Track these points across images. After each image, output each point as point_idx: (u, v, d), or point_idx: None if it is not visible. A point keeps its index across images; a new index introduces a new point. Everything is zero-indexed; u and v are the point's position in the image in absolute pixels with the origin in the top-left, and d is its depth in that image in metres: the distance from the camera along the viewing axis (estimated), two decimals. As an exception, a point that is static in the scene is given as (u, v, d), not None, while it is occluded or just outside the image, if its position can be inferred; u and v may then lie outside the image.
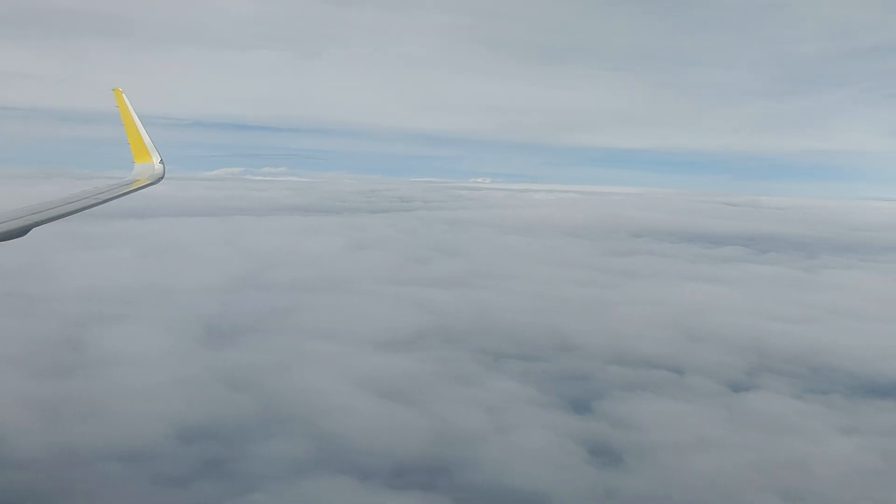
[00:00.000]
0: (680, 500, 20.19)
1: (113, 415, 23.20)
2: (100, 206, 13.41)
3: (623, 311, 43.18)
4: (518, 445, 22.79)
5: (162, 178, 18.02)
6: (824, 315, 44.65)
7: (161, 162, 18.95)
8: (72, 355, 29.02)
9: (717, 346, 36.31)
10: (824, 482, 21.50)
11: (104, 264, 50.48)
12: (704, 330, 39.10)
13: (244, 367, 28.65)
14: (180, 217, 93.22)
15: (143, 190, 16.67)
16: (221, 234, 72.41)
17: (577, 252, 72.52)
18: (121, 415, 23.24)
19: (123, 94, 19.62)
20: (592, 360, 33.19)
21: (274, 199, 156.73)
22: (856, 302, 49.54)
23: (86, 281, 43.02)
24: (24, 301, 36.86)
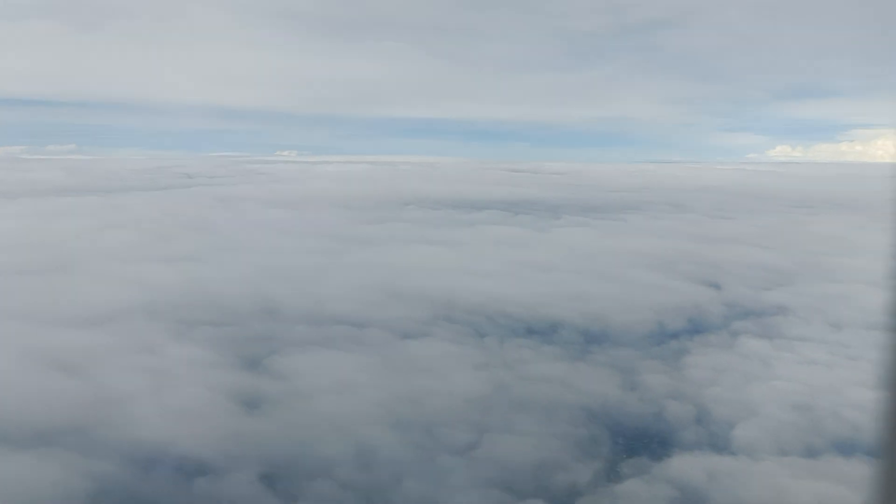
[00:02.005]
0: (296, 437, 23.23)
1: None
2: None
3: (339, 275, 46.35)
4: (169, 404, 25.01)
5: None
6: (521, 269, 50.03)
7: None
8: None
9: (410, 302, 40.12)
10: (431, 411, 25.41)
11: None
12: (406, 288, 42.86)
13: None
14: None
15: None
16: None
17: (330, 222, 75.34)
18: None
19: None
20: (285, 322, 35.99)
21: (41, 180, 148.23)
22: (556, 256, 55.66)
23: None
24: None
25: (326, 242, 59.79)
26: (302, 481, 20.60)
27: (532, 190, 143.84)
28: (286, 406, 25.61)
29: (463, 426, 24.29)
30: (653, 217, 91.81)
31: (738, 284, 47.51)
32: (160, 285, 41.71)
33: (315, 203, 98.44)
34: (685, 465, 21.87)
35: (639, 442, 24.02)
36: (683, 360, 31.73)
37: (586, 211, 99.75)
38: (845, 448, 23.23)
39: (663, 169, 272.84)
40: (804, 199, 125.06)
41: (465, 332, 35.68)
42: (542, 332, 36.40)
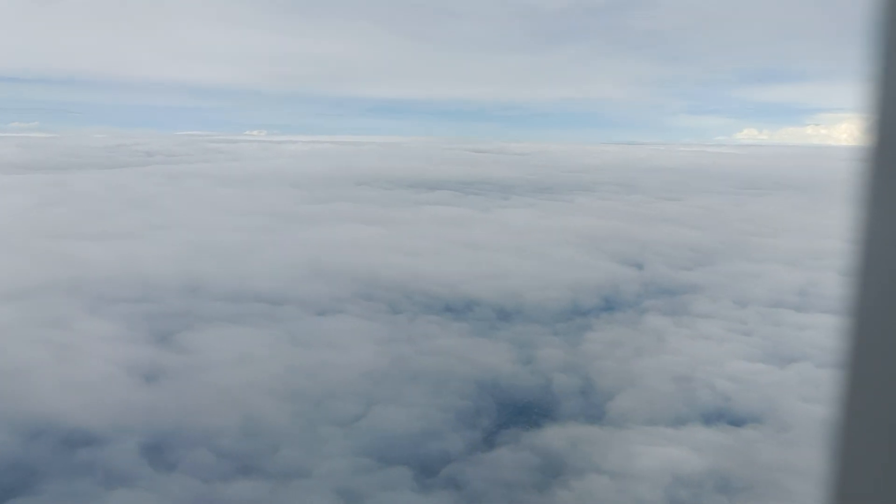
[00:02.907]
0: (186, 408, 23.99)
1: None
2: None
3: (268, 253, 46.96)
4: (66, 376, 25.62)
5: None
6: (452, 248, 50.95)
7: None
8: None
9: (333, 279, 40.87)
10: (324, 384, 26.29)
11: None
12: (332, 266, 43.56)
13: None
14: None
15: None
16: None
17: (276, 201, 75.64)
18: None
19: None
20: (204, 299, 36.61)
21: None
22: (490, 236, 56.67)
23: None
24: None
25: (266, 221, 60.24)
26: (182, 450, 21.37)
27: (490, 170, 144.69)
28: (184, 379, 26.35)
29: (352, 398, 25.19)
30: (600, 198, 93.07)
31: (660, 264, 48.83)
32: (86, 262, 42.08)
33: (266, 182, 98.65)
34: (554, 435, 22.97)
35: (519, 413, 25.09)
36: (584, 335, 32.87)
37: (538, 192, 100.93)
38: (710, 418, 24.49)
39: (627, 150, 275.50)
40: (755, 181, 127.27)
41: (380, 308, 36.57)
42: (456, 309, 37.35)
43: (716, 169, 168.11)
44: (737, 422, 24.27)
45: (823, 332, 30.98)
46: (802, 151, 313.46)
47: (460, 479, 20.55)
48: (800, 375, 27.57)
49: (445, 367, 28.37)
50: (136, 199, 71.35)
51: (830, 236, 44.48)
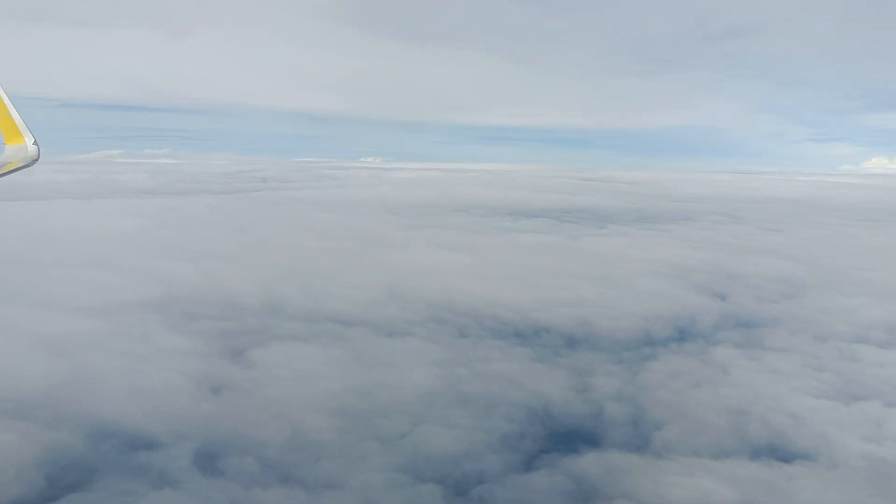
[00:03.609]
0: (242, 420, 25.31)
1: None
2: None
3: (352, 276, 48.47)
4: (137, 385, 27.47)
5: (37, 160, 16.88)
6: (533, 275, 51.20)
7: (35, 143, 17.67)
8: None
9: (409, 303, 41.94)
10: (376, 402, 27.14)
11: None
12: (410, 290, 44.69)
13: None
14: (2, 202, 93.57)
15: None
16: (21, 216, 74.19)
17: (371, 226, 77.79)
18: None
19: None
20: (281, 318, 38.27)
21: (124, 181, 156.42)
22: (575, 264, 56.56)
23: None
24: None
25: (356, 245, 62.17)
26: (231, 458, 22.58)
27: (593, 199, 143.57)
28: (245, 392, 27.77)
29: (400, 417, 25.89)
30: (700, 228, 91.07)
31: (746, 296, 47.62)
32: (179, 281, 44.68)
33: (366, 207, 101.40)
34: (592, 461, 22.96)
35: (563, 439, 25.14)
36: (646, 365, 32.51)
37: (637, 221, 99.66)
38: (758, 452, 23.87)
39: (742, 179, 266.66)
40: (874, 212, 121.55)
41: (448, 332, 37.23)
42: (525, 335, 37.63)
43: (834, 199, 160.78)
44: (786, 458, 23.58)
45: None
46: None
47: (489, 499, 20.88)
48: (865, 414, 26.52)
49: (498, 390, 28.72)
50: (238, 223, 74.90)
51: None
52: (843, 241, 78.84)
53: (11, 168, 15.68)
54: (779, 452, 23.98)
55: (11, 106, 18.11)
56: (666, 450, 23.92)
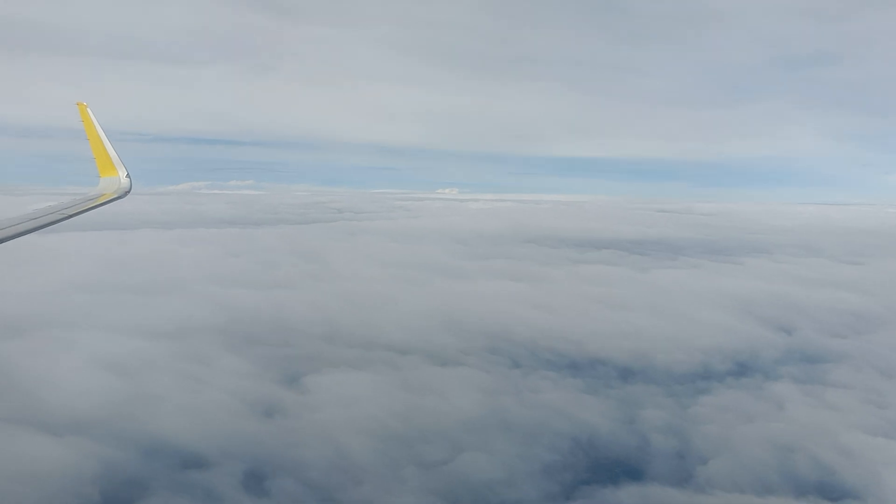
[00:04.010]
0: (290, 442, 26.02)
1: None
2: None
3: (411, 306, 49.14)
4: (192, 405, 28.53)
5: (129, 192, 17.41)
6: (593, 307, 50.93)
7: (128, 176, 18.29)
8: None
9: (465, 333, 42.27)
10: (420, 428, 27.49)
11: None
12: (468, 320, 45.05)
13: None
14: (93, 231, 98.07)
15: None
16: (106, 245, 77.68)
17: (437, 257, 78.47)
18: None
19: (88, 109, 18.93)
20: (338, 345, 39.09)
21: (205, 212, 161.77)
22: (639, 297, 55.96)
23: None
24: None
25: (419, 275, 62.83)
26: (276, 479, 23.26)
27: (667, 230, 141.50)
28: (296, 416, 28.51)
29: (443, 444, 26.19)
30: (775, 260, 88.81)
31: (813, 330, 46.34)
32: (243, 307, 46.14)
33: (435, 238, 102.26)
34: (631, 494, 22.79)
35: (605, 470, 25.00)
36: (699, 399, 32.02)
37: (710, 253, 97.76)
38: (804, 489, 23.27)
39: (826, 211, 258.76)
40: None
41: (501, 362, 37.39)
42: (579, 366, 37.49)
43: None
44: (833, 496, 22.95)
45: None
46: None
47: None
48: (923, 453, 25.55)
49: (544, 420, 28.74)
50: (307, 253, 76.60)
51: None
52: (925, 276, 75.78)
53: (106, 199, 16.36)
54: (826, 491, 23.35)
55: (107, 141, 18.97)
56: (708, 484, 23.56)
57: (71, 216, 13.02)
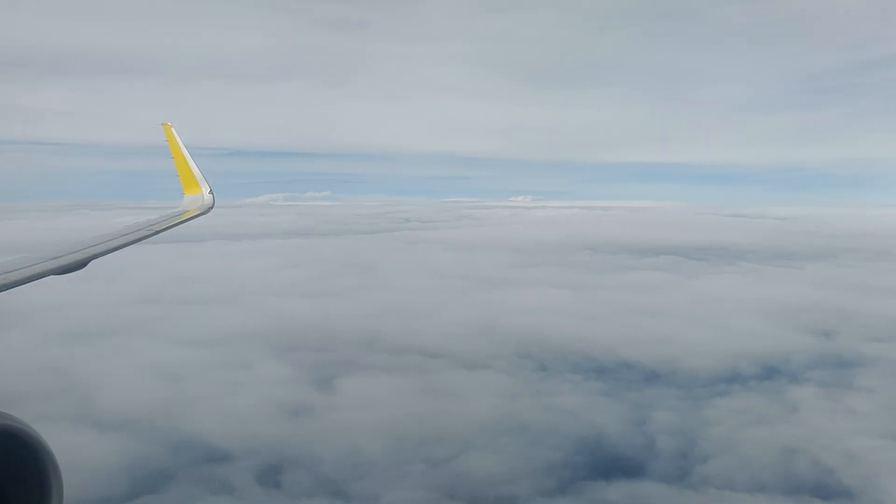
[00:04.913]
0: (308, 439, 27.89)
1: None
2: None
3: (452, 313, 50.70)
4: (227, 407, 30.74)
5: (212, 207, 17.55)
6: (632, 314, 51.54)
7: (210, 192, 18.53)
8: None
9: (498, 338, 43.62)
10: (433, 428, 29.03)
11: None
12: (504, 326, 46.38)
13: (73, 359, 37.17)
14: (164, 243, 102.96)
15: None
16: (171, 257, 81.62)
17: (491, 265, 79.93)
18: None
19: (172, 129, 19.59)
20: (373, 351, 40.94)
21: (274, 223, 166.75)
22: (681, 303, 56.31)
23: None
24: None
25: (466, 283, 64.39)
26: (289, 473, 25.16)
27: (733, 236, 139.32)
28: (319, 416, 30.41)
29: (452, 442, 27.67)
30: (837, 265, 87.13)
31: (854, 335, 45.98)
32: (290, 315, 48.53)
33: (493, 246, 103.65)
34: (622, 490, 23.84)
35: (603, 468, 26.05)
36: (713, 401, 32.64)
37: (772, 258, 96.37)
38: (797, 489, 23.89)
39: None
40: None
41: (528, 366, 38.62)
42: (606, 370, 38.42)
43: None
44: (826, 496, 23.51)
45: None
46: None
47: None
48: (926, 455, 25.77)
49: (555, 421, 29.92)
50: (362, 263, 79.03)
51: None
52: None
53: (189, 216, 16.30)
54: (820, 490, 23.91)
55: (190, 158, 19.39)
56: (701, 482, 24.40)
57: (158, 232, 13.28)
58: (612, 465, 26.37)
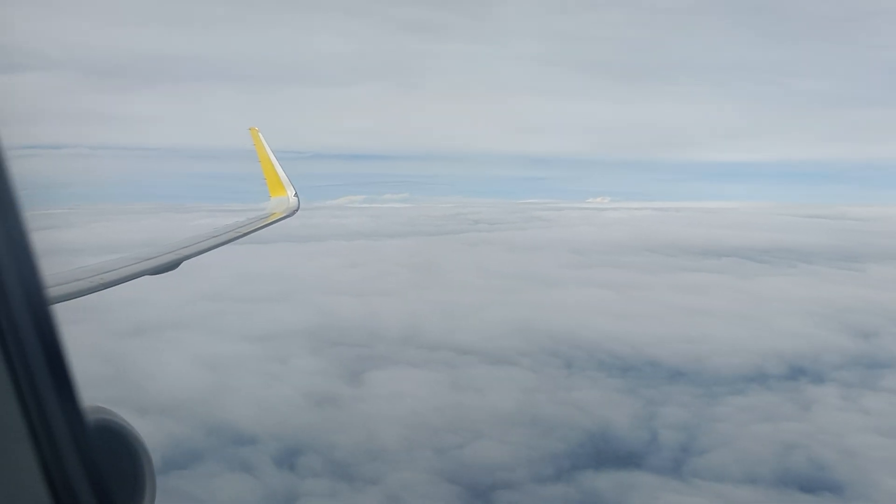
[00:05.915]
0: (328, 427, 30.00)
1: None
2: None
3: (492, 312, 52.25)
4: (259, 397, 33.13)
5: (297, 210, 17.87)
6: (672, 314, 52.16)
7: (296, 195, 18.68)
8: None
9: (531, 335, 44.98)
10: (449, 420, 30.75)
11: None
12: (539, 325, 47.69)
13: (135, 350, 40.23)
14: (234, 245, 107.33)
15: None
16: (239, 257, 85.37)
17: (546, 266, 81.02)
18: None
19: (259, 133, 19.83)
20: (409, 347, 42.88)
21: (346, 225, 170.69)
22: (726, 303, 56.55)
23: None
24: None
25: (517, 284, 65.89)
26: (305, 455, 27.31)
27: (804, 236, 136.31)
28: (344, 406, 32.53)
29: (462, 432, 29.36)
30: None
31: (894, 337, 45.69)
32: (338, 313, 50.90)
33: (553, 247, 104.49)
34: (613, 479, 25.12)
35: (602, 459, 27.35)
36: (726, 398, 33.41)
37: (838, 260, 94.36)
38: (784, 482, 24.71)
39: None
40: None
41: (554, 363, 39.94)
42: (630, 367, 39.47)
43: None
44: (811, 489, 24.28)
45: None
46: None
47: (499, 502, 23.81)
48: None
49: (565, 415, 31.28)
50: (420, 264, 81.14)
51: None
52: None
53: (275, 219, 16.75)
54: (808, 484, 24.67)
55: (276, 162, 19.62)
56: (691, 473, 25.46)
57: (245, 234, 13.91)
58: (609, 456, 27.60)
